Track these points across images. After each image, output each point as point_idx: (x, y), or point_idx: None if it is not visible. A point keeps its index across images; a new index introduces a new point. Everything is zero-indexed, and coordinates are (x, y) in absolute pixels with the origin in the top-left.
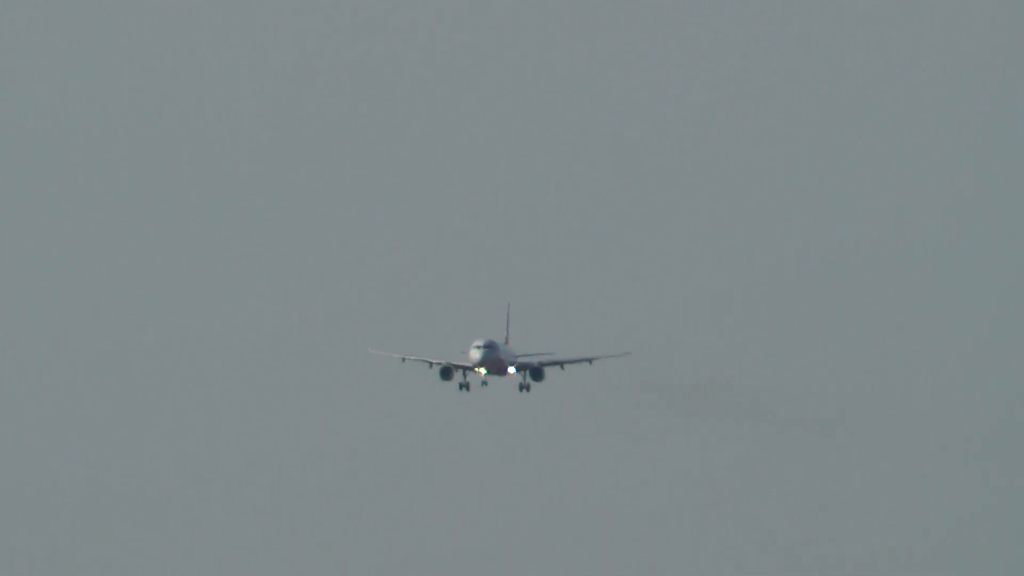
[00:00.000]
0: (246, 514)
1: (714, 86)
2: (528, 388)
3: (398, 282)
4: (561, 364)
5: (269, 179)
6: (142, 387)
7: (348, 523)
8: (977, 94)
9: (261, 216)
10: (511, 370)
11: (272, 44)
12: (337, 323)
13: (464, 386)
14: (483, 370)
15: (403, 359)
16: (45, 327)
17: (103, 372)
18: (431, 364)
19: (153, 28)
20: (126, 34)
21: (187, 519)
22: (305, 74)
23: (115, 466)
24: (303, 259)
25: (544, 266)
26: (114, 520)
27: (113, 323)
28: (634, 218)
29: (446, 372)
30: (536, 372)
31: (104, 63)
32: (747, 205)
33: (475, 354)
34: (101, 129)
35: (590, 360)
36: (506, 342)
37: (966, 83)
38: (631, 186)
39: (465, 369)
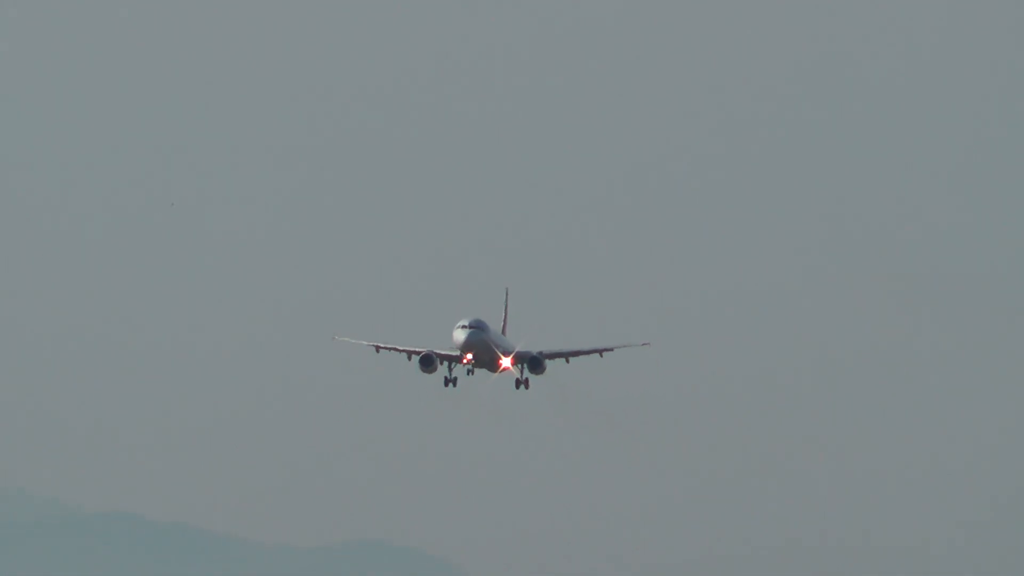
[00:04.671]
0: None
1: (716, 84)
2: (526, 384)
3: (379, 269)
4: (566, 356)
5: (245, 167)
6: (111, 381)
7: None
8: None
9: (240, 199)
10: (505, 362)
11: (266, 42)
12: (308, 309)
13: (451, 381)
14: (470, 356)
15: (376, 348)
16: (37, 322)
17: (83, 370)
18: (409, 354)
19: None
20: (132, 35)
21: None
22: (296, 71)
23: (83, 465)
24: (281, 243)
25: (544, 254)
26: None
27: (92, 314)
28: (633, 209)
29: (427, 361)
30: (535, 362)
31: (106, 63)
32: (750, 198)
33: (459, 335)
34: (95, 127)
35: (600, 352)
36: (503, 332)
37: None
38: (628, 174)
39: (451, 360)
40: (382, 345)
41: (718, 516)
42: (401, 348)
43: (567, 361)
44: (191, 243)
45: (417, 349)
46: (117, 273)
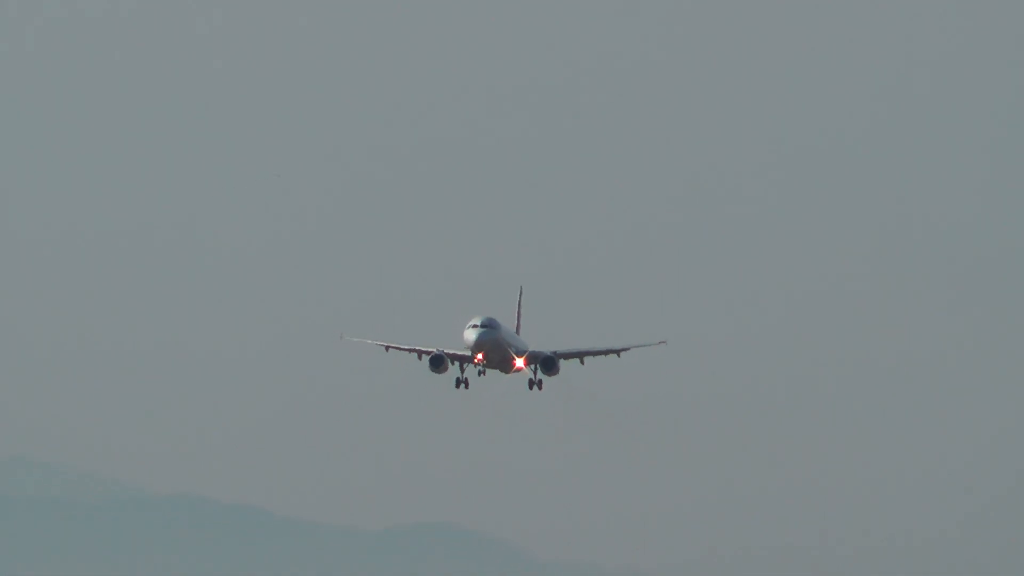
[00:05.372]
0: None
1: (729, 84)
2: (539, 385)
3: (392, 267)
4: (581, 356)
5: (256, 167)
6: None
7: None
8: None
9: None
10: (518, 363)
11: (274, 40)
12: (318, 310)
13: (462, 382)
14: (480, 356)
15: (385, 348)
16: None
17: (102, 368)
18: (419, 354)
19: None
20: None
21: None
22: (304, 70)
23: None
24: (292, 244)
25: (558, 252)
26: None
27: (116, 318)
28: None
29: (437, 361)
30: (548, 363)
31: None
32: (769, 197)
33: (470, 335)
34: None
35: (618, 352)
36: (516, 332)
37: None
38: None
39: (462, 360)
40: (390, 344)
41: (742, 518)
42: (410, 348)
43: (582, 362)
44: (222, 244)
45: (427, 349)
46: (170, 276)
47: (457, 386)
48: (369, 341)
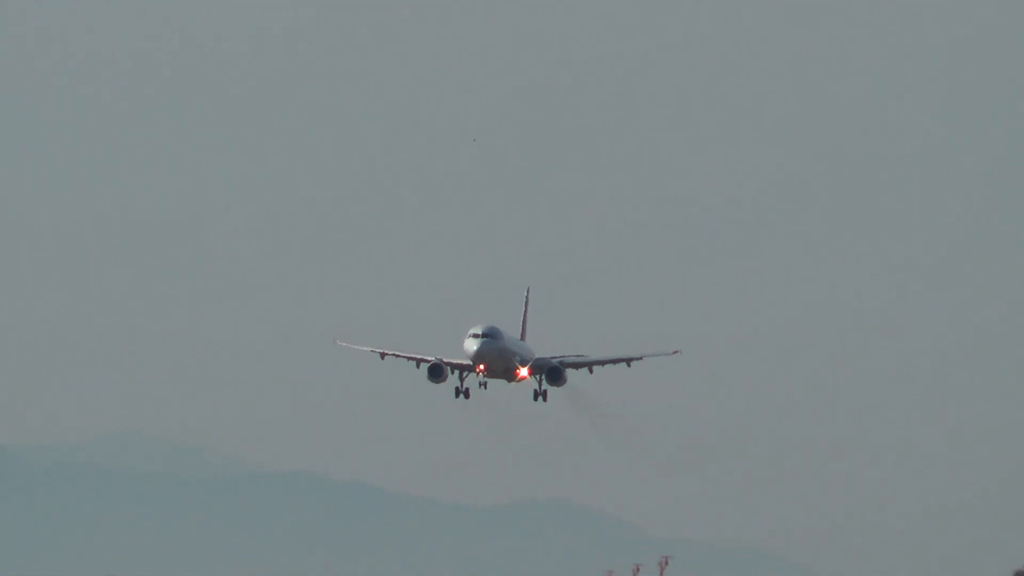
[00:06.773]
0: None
1: (740, 93)
2: (544, 396)
3: (406, 270)
4: (589, 366)
5: (259, 171)
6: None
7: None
8: None
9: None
10: (522, 372)
11: (281, 44)
12: (313, 315)
13: (462, 392)
14: (482, 367)
15: (381, 355)
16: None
17: (115, 363)
18: (418, 362)
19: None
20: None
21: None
22: (306, 74)
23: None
24: (291, 245)
25: (569, 258)
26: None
27: (122, 316)
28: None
29: (436, 371)
30: (554, 373)
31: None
32: (782, 205)
33: (471, 345)
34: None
35: (628, 361)
36: (522, 336)
37: None
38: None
39: (462, 369)
40: (387, 352)
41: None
42: (407, 355)
43: (590, 371)
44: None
45: (425, 357)
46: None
47: (457, 396)
48: (362, 348)
